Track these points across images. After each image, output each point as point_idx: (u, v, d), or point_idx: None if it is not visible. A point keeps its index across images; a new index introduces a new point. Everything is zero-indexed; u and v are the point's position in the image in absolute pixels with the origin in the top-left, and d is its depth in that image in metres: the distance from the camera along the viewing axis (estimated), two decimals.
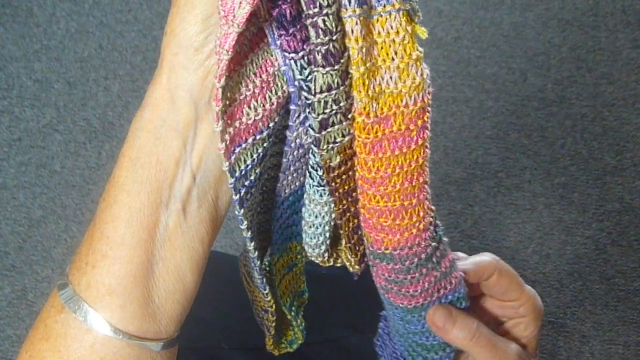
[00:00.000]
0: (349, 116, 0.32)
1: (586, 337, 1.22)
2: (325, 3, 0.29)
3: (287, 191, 0.39)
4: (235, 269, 0.45)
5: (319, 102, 0.31)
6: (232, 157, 0.32)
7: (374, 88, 0.31)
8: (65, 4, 1.57)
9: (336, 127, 0.32)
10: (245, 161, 0.33)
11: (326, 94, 0.31)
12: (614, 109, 1.44)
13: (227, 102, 0.31)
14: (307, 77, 0.31)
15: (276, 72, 0.33)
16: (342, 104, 0.31)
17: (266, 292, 0.41)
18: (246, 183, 0.34)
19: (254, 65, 0.32)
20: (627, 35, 1.54)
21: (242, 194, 0.33)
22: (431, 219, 0.37)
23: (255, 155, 0.34)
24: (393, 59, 0.30)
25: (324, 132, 0.32)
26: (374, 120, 0.32)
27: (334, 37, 0.29)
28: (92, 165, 1.38)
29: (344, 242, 0.40)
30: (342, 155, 0.34)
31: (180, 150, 0.32)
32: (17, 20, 1.55)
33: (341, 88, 0.31)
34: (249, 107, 0.32)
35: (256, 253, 0.37)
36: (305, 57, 0.31)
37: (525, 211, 1.33)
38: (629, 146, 1.40)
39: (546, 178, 1.37)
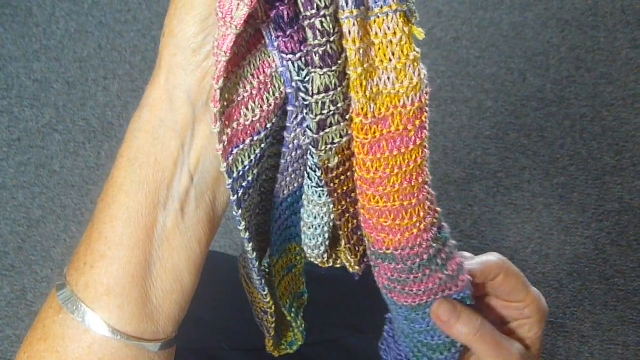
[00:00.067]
0: (347, 117, 0.32)
1: (585, 337, 1.22)
2: (323, 4, 0.29)
3: (285, 192, 0.39)
4: (235, 270, 0.45)
5: (317, 103, 0.31)
6: (230, 158, 0.32)
7: (371, 89, 0.31)
8: (65, 4, 1.57)
9: (334, 128, 0.32)
10: (243, 162, 0.33)
11: (324, 95, 0.31)
12: (613, 109, 1.44)
13: (225, 104, 0.31)
14: (305, 78, 0.31)
15: (273, 74, 0.33)
16: (339, 105, 0.32)
17: (265, 293, 0.41)
18: (244, 184, 0.34)
19: (252, 66, 0.32)
20: (627, 35, 1.54)
21: (239, 194, 0.33)
22: (434, 220, 0.37)
23: (252, 157, 0.34)
24: (390, 60, 0.31)
25: (322, 133, 0.32)
26: (372, 121, 0.32)
27: (332, 39, 0.29)
28: (91, 165, 1.38)
29: (343, 242, 0.40)
30: (340, 156, 0.34)
31: (179, 151, 0.32)
32: (16, 20, 1.55)
33: (339, 89, 0.31)
34: (247, 109, 0.33)
35: (255, 254, 0.37)
36: (303, 59, 0.31)
37: (524, 211, 1.33)
38: (628, 146, 1.40)
39: (545, 178, 1.37)
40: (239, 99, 0.32)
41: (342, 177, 0.35)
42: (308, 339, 0.51)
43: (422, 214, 0.35)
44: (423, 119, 0.32)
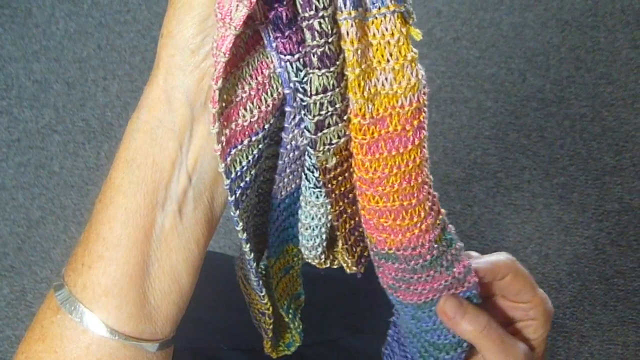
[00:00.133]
0: (345, 118, 0.32)
1: (585, 337, 1.22)
2: (321, 5, 0.29)
3: (283, 193, 0.39)
4: (234, 270, 0.45)
5: (315, 103, 0.31)
6: (228, 159, 0.32)
7: (369, 89, 0.31)
8: (64, 4, 1.57)
9: (332, 128, 0.32)
10: (241, 163, 0.33)
11: (322, 95, 0.31)
12: (613, 109, 1.44)
13: (224, 104, 0.31)
14: (303, 79, 0.31)
15: (271, 75, 0.33)
16: (337, 106, 0.32)
17: (263, 294, 0.41)
18: (242, 184, 0.34)
19: (250, 67, 0.33)
20: (626, 35, 1.54)
21: (237, 195, 0.33)
22: (436, 221, 0.37)
23: (250, 157, 0.34)
24: (388, 61, 0.31)
25: (319, 134, 0.32)
26: (370, 122, 0.32)
27: (330, 40, 0.29)
28: (90, 166, 1.38)
29: (340, 243, 0.40)
30: (338, 156, 0.34)
31: (177, 152, 0.32)
32: (16, 20, 1.55)
33: (337, 90, 0.31)
34: (245, 109, 0.33)
35: (252, 255, 0.37)
36: (301, 59, 0.31)
37: (524, 211, 1.33)
38: (628, 146, 1.40)
39: (545, 178, 1.37)
40: (238, 99, 0.32)
41: (340, 178, 0.35)
42: (308, 340, 0.51)
43: (422, 214, 0.35)
44: (421, 119, 0.32)
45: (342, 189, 0.36)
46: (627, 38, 1.54)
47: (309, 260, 0.44)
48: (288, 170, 0.37)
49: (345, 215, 0.37)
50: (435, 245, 0.37)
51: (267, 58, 0.33)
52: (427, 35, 1.51)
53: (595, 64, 1.50)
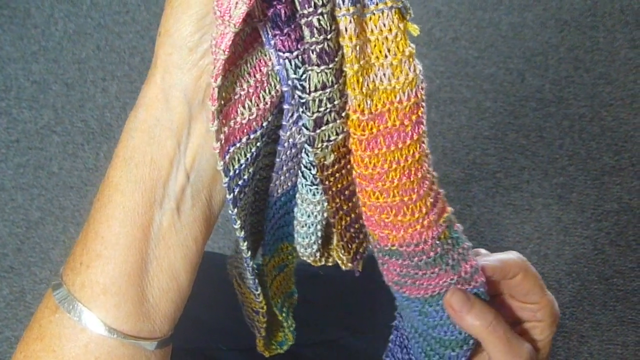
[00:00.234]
0: (343, 114, 0.33)
1: (584, 337, 1.22)
2: (320, 2, 0.29)
3: (279, 191, 0.39)
4: None
5: (314, 100, 0.31)
6: (227, 157, 0.32)
7: (368, 85, 0.31)
8: (63, 5, 1.57)
9: (330, 125, 0.32)
10: (239, 160, 0.33)
11: (321, 92, 0.31)
12: (612, 109, 1.45)
13: (222, 102, 0.31)
14: (302, 76, 0.31)
15: (270, 72, 0.33)
16: (336, 102, 0.32)
17: (258, 293, 0.41)
18: (240, 182, 0.34)
19: (248, 65, 0.33)
20: (625, 35, 1.54)
21: (235, 193, 0.34)
22: (439, 218, 0.37)
23: (248, 155, 0.34)
24: (386, 56, 0.31)
25: (318, 131, 0.32)
26: (368, 117, 0.32)
27: (329, 36, 0.30)
28: (90, 167, 1.38)
29: (336, 240, 0.40)
30: (336, 153, 0.34)
31: (175, 150, 0.32)
32: (14, 21, 1.55)
33: (335, 86, 0.31)
34: (244, 107, 0.33)
35: (249, 253, 0.37)
36: (300, 57, 0.31)
37: (523, 211, 1.33)
38: (627, 146, 1.40)
39: (544, 178, 1.37)
40: (236, 97, 0.32)
41: (337, 175, 0.35)
42: (307, 340, 0.51)
43: (424, 210, 0.35)
44: (419, 114, 0.32)
45: (339, 185, 0.36)
46: (626, 38, 1.54)
47: (304, 258, 0.44)
48: (285, 168, 0.38)
49: (341, 212, 0.37)
50: (438, 243, 0.37)
51: (265, 56, 0.33)
52: (426, 35, 1.51)
53: (594, 64, 1.50)
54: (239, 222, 0.34)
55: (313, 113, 0.32)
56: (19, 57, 1.51)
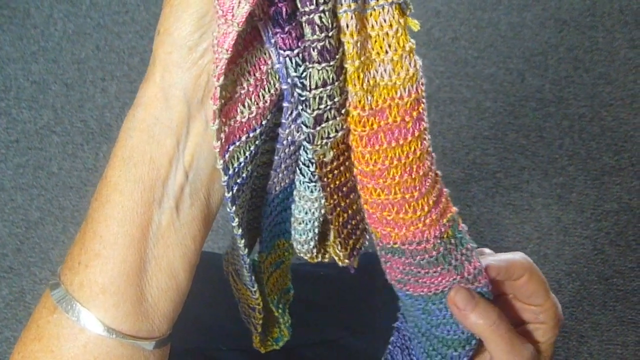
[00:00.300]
0: (343, 111, 0.33)
1: (584, 337, 1.22)
2: (322, 0, 0.29)
3: (277, 189, 0.39)
4: None
5: (314, 98, 0.31)
6: (227, 155, 0.32)
7: (368, 81, 0.31)
8: (63, 5, 1.57)
9: (330, 122, 0.32)
10: (238, 159, 0.33)
11: (321, 89, 0.31)
12: (612, 109, 1.45)
13: (223, 101, 0.31)
14: (302, 74, 0.31)
15: (269, 70, 0.33)
16: (336, 100, 0.32)
17: (255, 289, 0.41)
18: (238, 181, 0.34)
19: (248, 64, 0.33)
20: (625, 35, 1.54)
21: (234, 191, 0.34)
22: (442, 217, 0.37)
23: (248, 153, 0.34)
24: (387, 52, 0.31)
25: (318, 128, 0.32)
26: (369, 113, 0.32)
27: (330, 34, 0.30)
28: (89, 167, 1.38)
29: (332, 236, 0.40)
30: (335, 150, 0.34)
31: (174, 148, 0.32)
32: (14, 21, 1.55)
33: (336, 83, 0.31)
34: (244, 106, 0.33)
35: (246, 250, 0.37)
36: (300, 54, 0.31)
37: (523, 211, 1.33)
38: (627, 146, 1.40)
39: (544, 178, 1.37)
40: (236, 96, 0.32)
41: (336, 172, 0.35)
42: (307, 340, 0.51)
43: (426, 208, 0.35)
44: (420, 110, 0.32)
45: (337, 182, 0.36)
46: (626, 38, 1.54)
47: (301, 255, 0.44)
48: (283, 166, 0.38)
49: (339, 209, 0.37)
50: (440, 242, 0.37)
51: (265, 54, 0.33)
52: (426, 35, 1.51)
53: (594, 64, 1.50)
54: (237, 219, 0.35)
55: (313, 110, 0.32)
56: (19, 57, 1.51)
